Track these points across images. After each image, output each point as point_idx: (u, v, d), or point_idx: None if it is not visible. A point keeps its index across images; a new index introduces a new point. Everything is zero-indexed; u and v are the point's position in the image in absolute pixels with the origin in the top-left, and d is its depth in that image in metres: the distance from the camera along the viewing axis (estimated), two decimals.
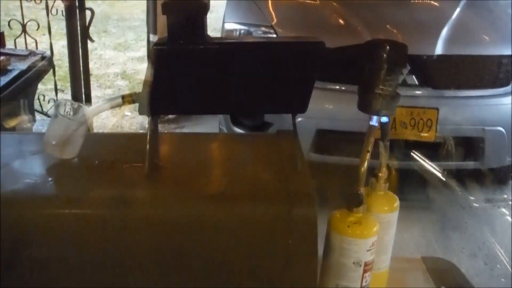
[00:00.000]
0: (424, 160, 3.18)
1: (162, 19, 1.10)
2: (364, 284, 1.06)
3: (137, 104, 1.11)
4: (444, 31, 3.45)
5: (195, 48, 1.07)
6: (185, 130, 4.43)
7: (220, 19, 4.03)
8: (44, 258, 0.99)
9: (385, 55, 1.02)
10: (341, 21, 3.60)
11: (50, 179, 1.09)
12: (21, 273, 0.99)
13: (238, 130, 3.52)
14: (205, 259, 1.00)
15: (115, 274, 1.00)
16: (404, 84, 3.14)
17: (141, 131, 4.59)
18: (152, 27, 4.52)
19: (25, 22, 4.18)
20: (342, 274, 1.05)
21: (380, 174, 1.13)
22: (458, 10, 3.75)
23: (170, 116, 4.66)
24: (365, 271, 1.05)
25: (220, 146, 1.30)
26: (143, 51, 6.80)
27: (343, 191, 1.10)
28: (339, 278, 1.06)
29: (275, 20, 3.63)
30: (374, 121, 1.06)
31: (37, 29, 4.27)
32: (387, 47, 1.03)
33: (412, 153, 3.19)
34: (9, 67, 3.14)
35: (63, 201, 1.01)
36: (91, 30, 3.84)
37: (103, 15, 8.31)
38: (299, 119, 1.19)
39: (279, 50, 1.13)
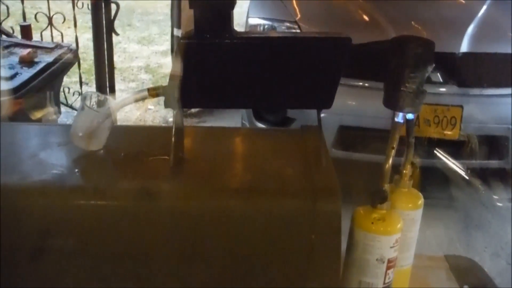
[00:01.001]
0: (447, 158, 3.16)
1: (186, 13, 1.11)
2: (387, 280, 1.06)
3: (160, 98, 1.12)
4: (470, 28, 3.41)
5: (222, 42, 1.07)
6: (207, 125, 4.44)
7: (244, 14, 4.03)
8: (70, 248, 1.00)
9: (411, 52, 1.02)
10: (365, 17, 3.57)
11: (76, 170, 1.10)
12: (48, 263, 1.00)
13: (260, 125, 3.52)
14: (228, 253, 1.00)
15: (139, 266, 1.01)
16: (429, 81, 3.10)
17: (164, 125, 4.62)
18: (176, 21, 4.54)
19: (51, 15, 4.22)
20: (365, 271, 1.05)
21: (404, 171, 1.13)
22: (484, 7, 3.71)
23: (193, 111, 4.68)
24: (388, 268, 1.05)
25: (244, 140, 1.31)
26: (166, 45, 6.82)
27: (367, 187, 1.10)
28: (362, 275, 1.06)
29: (299, 16, 3.62)
30: (399, 118, 1.06)
31: (63, 22, 4.32)
32: (414, 44, 1.03)
33: (435, 151, 3.16)
34: (36, 60, 3.17)
35: (89, 193, 1.02)
36: (116, 23, 3.87)
37: (128, 8, 8.34)
38: (323, 115, 1.19)
39: (305, 45, 1.13)
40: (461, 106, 3.16)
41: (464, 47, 3.27)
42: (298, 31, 3.50)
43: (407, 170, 1.13)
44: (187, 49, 1.06)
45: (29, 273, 1.01)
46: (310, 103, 1.20)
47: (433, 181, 2.87)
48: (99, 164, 1.12)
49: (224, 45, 1.07)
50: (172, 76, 1.09)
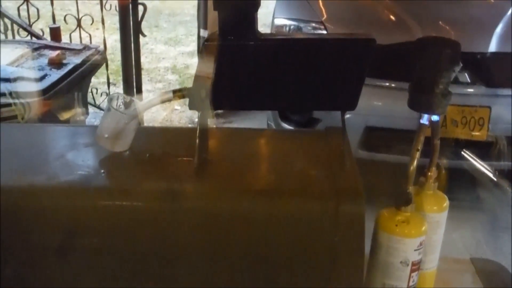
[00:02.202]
0: (475, 160, 3.11)
1: (212, 14, 1.12)
2: (411, 283, 1.05)
3: (186, 99, 1.13)
4: (499, 28, 3.36)
5: (246, 44, 1.07)
6: (233, 125, 4.45)
7: (270, 15, 4.03)
8: (95, 248, 1.01)
9: (437, 54, 1.01)
10: (392, 18, 3.55)
11: (102, 171, 1.11)
12: (74, 262, 1.02)
13: (286, 126, 3.52)
14: (252, 254, 1.01)
15: (163, 266, 1.02)
16: (456, 81, 3.08)
17: (190, 126, 4.64)
18: (202, 22, 4.55)
19: (80, 17, 4.27)
20: (389, 273, 1.04)
21: (429, 173, 1.12)
22: None
23: (219, 111, 4.69)
24: (412, 271, 1.04)
25: (268, 141, 1.31)
26: (193, 46, 6.86)
27: (391, 189, 1.09)
28: (386, 277, 1.05)
29: (325, 16, 3.61)
30: (424, 119, 1.05)
31: (91, 24, 4.37)
32: (439, 45, 1.02)
33: (462, 152, 3.12)
34: (65, 61, 3.21)
35: (115, 193, 1.03)
36: (143, 24, 3.90)
37: (155, 10, 8.41)
38: (348, 115, 1.19)
39: (330, 46, 1.13)
40: (489, 107, 3.12)
41: (492, 47, 3.23)
42: (324, 32, 3.49)
43: (432, 173, 1.12)
44: (212, 51, 1.07)
45: (55, 272, 1.02)
46: (334, 104, 1.20)
47: (460, 183, 2.84)
48: (124, 165, 1.13)
49: (248, 47, 1.08)
50: (196, 78, 1.10)
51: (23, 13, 4.38)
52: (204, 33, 4.46)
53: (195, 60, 6.36)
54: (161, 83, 5.84)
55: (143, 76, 4.40)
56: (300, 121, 3.51)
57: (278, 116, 3.57)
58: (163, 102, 1.15)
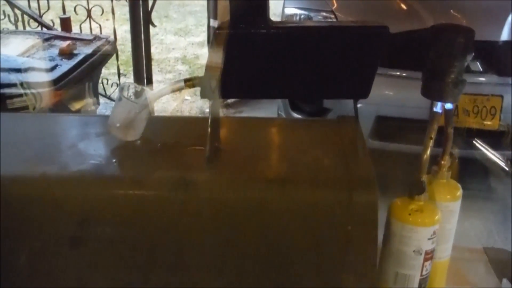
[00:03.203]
0: (487, 149, 3.10)
1: (222, 4, 1.11)
2: (424, 272, 1.05)
3: (197, 89, 1.12)
4: (511, 16, 3.33)
5: (258, 33, 1.07)
6: (243, 115, 4.45)
7: (280, 4, 4.01)
8: (108, 238, 1.01)
9: (451, 41, 1.00)
10: (403, 7, 3.53)
11: (114, 160, 1.11)
12: (86, 252, 1.02)
13: (297, 116, 3.51)
14: (264, 243, 1.00)
15: (175, 255, 1.02)
16: (468, 70, 3.06)
17: (200, 115, 4.65)
18: (212, 12, 4.55)
19: (90, 7, 4.28)
20: (402, 262, 1.04)
21: (442, 162, 1.11)
22: None
23: (229, 101, 4.69)
24: (425, 260, 1.03)
25: (280, 130, 1.30)
26: (203, 36, 6.86)
27: (403, 178, 1.08)
28: (399, 266, 1.05)
29: (335, 5, 3.59)
30: (438, 107, 1.04)
31: (101, 14, 4.38)
32: (453, 32, 1.01)
33: (474, 142, 3.11)
34: (75, 51, 3.22)
35: (127, 182, 1.03)
36: (153, 15, 3.90)
37: (165, 0, 8.40)
38: (359, 105, 1.18)
39: (342, 35, 1.12)
40: (501, 96, 3.10)
41: (504, 36, 3.21)
42: (335, 20, 3.47)
43: (446, 161, 1.11)
44: (223, 40, 1.06)
45: (67, 262, 1.03)
46: (346, 93, 1.19)
47: (472, 172, 2.82)
48: (136, 154, 1.13)
49: (260, 35, 1.07)
50: (208, 67, 1.09)
51: (34, 4, 4.40)
52: (214, 23, 4.46)
53: (205, 51, 6.36)
54: (171, 74, 5.85)
55: (153, 67, 4.40)
56: (311, 111, 3.50)
57: (288, 106, 3.57)
58: (174, 91, 1.15)
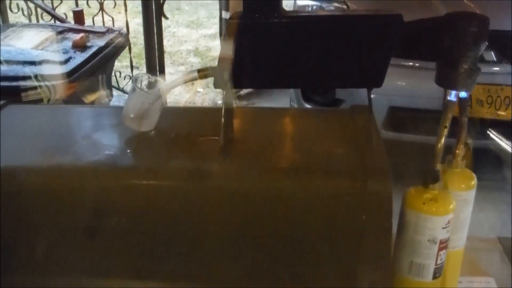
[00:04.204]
0: (501, 139, 3.08)
1: None
2: (439, 262, 1.04)
3: (209, 81, 1.12)
4: None
5: (271, 22, 1.07)
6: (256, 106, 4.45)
7: None
8: (122, 228, 1.02)
9: (465, 28, 0.99)
10: None
11: (128, 151, 1.12)
12: (101, 242, 1.03)
13: (309, 107, 3.51)
14: (278, 233, 1.01)
15: (190, 245, 1.02)
16: (482, 60, 3.04)
17: (214, 106, 4.65)
18: (224, 4, 4.55)
19: (102, 0, 4.29)
20: (417, 251, 1.04)
21: (457, 151, 1.10)
22: None
23: (241, 93, 4.70)
24: (440, 249, 1.03)
25: (294, 120, 1.30)
26: (215, 28, 6.86)
27: (417, 168, 1.08)
28: (413, 255, 1.04)
29: None
30: (452, 96, 1.04)
31: (114, 7, 4.39)
32: (468, 20, 1.00)
33: (488, 132, 3.09)
34: (88, 44, 3.24)
35: (141, 173, 1.04)
36: (165, 7, 3.91)
37: None
38: (372, 96, 1.18)
39: (356, 23, 1.11)
40: None
41: None
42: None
43: (460, 150, 1.10)
44: (236, 29, 1.06)
45: (83, 252, 1.04)
46: (360, 82, 1.19)
47: (486, 163, 2.81)
48: (150, 144, 1.13)
49: (273, 25, 1.07)
50: (221, 57, 1.09)
51: None
52: (226, 15, 4.46)
53: (217, 43, 6.37)
54: (184, 66, 5.86)
55: (165, 59, 4.41)
56: (323, 102, 3.50)
57: (301, 97, 3.56)
58: (187, 81, 1.15)
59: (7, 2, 4.25)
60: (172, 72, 5.52)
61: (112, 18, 4.41)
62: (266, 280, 1.03)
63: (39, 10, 4.33)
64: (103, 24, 4.30)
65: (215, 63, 1.10)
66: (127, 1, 4.27)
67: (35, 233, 1.03)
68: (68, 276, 1.05)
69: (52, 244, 1.03)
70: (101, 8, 4.32)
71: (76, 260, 1.04)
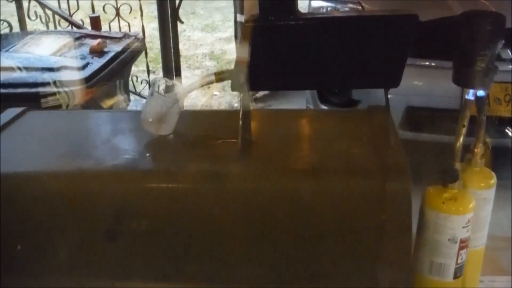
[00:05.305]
0: None
1: None
2: (459, 261, 1.04)
3: (225, 84, 1.13)
4: None
5: (287, 24, 1.07)
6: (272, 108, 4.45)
7: None
8: (142, 230, 1.03)
9: (482, 27, 0.99)
10: None
11: (147, 154, 1.13)
12: (121, 244, 1.04)
13: (325, 108, 3.50)
14: (298, 234, 1.01)
15: (209, 246, 1.03)
16: (499, 58, 3.02)
17: (231, 109, 4.66)
18: (239, 7, 4.55)
19: (118, 6, 4.32)
20: (437, 251, 1.03)
21: (476, 150, 1.10)
22: None
23: (257, 95, 4.70)
24: (460, 248, 1.03)
25: (311, 121, 1.31)
26: (230, 32, 6.87)
27: (436, 168, 1.08)
28: (434, 255, 1.04)
29: None
30: (470, 95, 1.03)
31: (130, 13, 4.42)
32: (485, 18, 1.00)
33: (506, 130, 3.06)
34: (105, 49, 3.26)
35: (161, 176, 1.05)
36: (180, 12, 3.92)
37: None
38: (389, 96, 1.18)
39: (372, 23, 1.12)
40: None
41: None
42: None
43: (479, 149, 1.10)
44: (252, 32, 1.07)
45: (104, 255, 1.05)
46: (377, 82, 1.19)
47: (504, 161, 2.78)
48: (169, 148, 1.14)
49: (289, 27, 1.07)
50: (237, 60, 1.10)
51: (63, 5, 4.46)
52: (240, 18, 4.46)
53: (232, 46, 6.37)
54: (199, 70, 5.88)
55: (181, 63, 4.43)
56: (340, 103, 3.49)
57: (317, 98, 3.56)
58: (204, 85, 1.16)
59: (25, 10, 4.30)
60: (188, 75, 5.53)
61: (128, 24, 4.44)
62: (286, 280, 1.04)
63: (56, 17, 4.37)
64: (120, 30, 4.33)
65: (231, 66, 1.10)
66: (142, 6, 4.30)
67: (56, 237, 1.04)
68: (89, 278, 1.06)
69: (74, 247, 1.05)
70: (117, 14, 4.35)
71: (97, 263, 1.06)
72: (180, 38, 4.67)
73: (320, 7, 3.70)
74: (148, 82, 4.53)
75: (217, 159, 1.07)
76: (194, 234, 1.03)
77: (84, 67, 2.98)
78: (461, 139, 1.03)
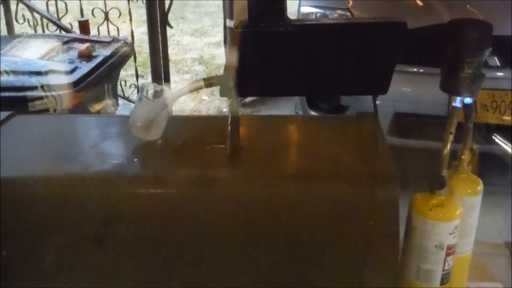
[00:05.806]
0: (506, 144, 3.07)
1: (238, 4, 1.12)
2: (446, 267, 1.05)
3: (214, 89, 1.13)
4: None
5: (276, 30, 1.07)
6: (261, 114, 4.45)
7: (295, 3, 4.02)
8: (130, 236, 1.02)
9: (469, 34, 1.00)
10: (419, 2, 3.51)
11: (135, 159, 1.12)
12: (109, 250, 1.03)
13: (314, 114, 3.52)
14: (286, 239, 1.01)
15: (198, 252, 1.03)
16: (486, 65, 3.04)
17: (219, 115, 4.66)
18: (228, 12, 4.57)
19: (107, 10, 4.32)
20: (424, 257, 1.04)
21: (463, 156, 1.11)
22: None
23: (246, 100, 4.70)
24: (447, 255, 1.03)
25: (300, 127, 1.31)
26: (219, 37, 6.88)
27: (423, 174, 1.08)
28: (421, 261, 1.05)
29: (351, 3, 3.59)
30: (457, 102, 1.04)
31: (119, 17, 4.42)
32: (472, 26, 1.01)
33: (493, 137, 3.09)
34: (94, 53, 3.25)
35: (149, 181, 1.04)
36: (169, 16, 3.93)
37: (181, 1, 8.43)
38: (377, 102, 1.18)
39: (360, 30, 1.12)
40: None
41: None
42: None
43: (466, 155, 1.11)
44: (241, 38, 1.07)
45: (92, 260, 1.04)
46: (365, 89, 1.20)
47: (491, 168, 2.80)
48: (157, 153, 1.14)
49: (278, 33, 1.08)
50: (227, 65, 1.10)
51: (52, 8, 4.44)
52: (230, 23, 4.47)
53: (221, 51, 6.39)
54: (188, 74, 5.88)
55: (170, 68, 4.43)
56: (328, 109, 3.50)
57: (306, 104, 3.57)
58: (193, 90, 1.15)
59: (13, 13, 4.28)
60: (177, 80, 5.53)
61: (117, 28, 4.44)
62: (274, 286, 1.04)
63: (44, 20, 4.35)
64: (108, 34, 4.32)
65: (220, 71, 1.10)
66: (131, 11, 4.29)
67: (43, 242, 1.03)
68: (75, 284, 1.06)
69: (60, 252, 1.04)
70: (106, 18, 4.35)
71: (84, 269, 1.05)
72: (169, 42, 4.67)
73: (310, 13, 3.72)
74: (137, 87, 4.52)
75: (206, 165, 1.07)
76: (182, 240, 1.02)
77: (72, 71, 2.96)
78: (448, 146, 1.03)
